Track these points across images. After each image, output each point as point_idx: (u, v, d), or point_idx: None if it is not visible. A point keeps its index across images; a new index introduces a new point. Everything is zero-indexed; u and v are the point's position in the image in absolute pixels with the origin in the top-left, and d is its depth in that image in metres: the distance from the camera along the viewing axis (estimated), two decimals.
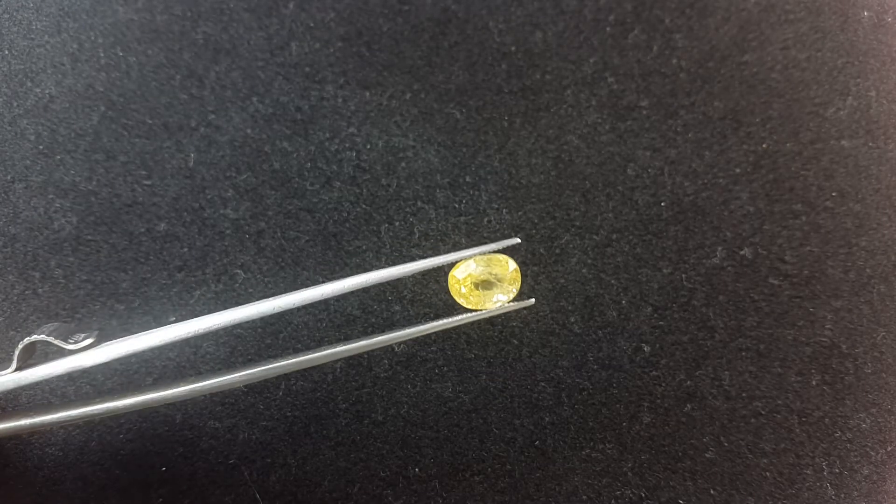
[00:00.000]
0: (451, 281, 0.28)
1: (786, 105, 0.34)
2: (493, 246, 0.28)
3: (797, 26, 0.35)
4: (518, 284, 0.28)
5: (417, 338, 0.32)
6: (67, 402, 0.27)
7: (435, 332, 0.32)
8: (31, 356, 0.27)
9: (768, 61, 0.34)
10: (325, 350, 0.28)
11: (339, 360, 0.32)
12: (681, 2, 0.35)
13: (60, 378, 0.27)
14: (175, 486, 0.30)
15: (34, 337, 0.26)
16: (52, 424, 0.27)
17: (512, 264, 0.28)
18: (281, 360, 0.27)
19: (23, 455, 0.30)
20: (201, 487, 0.30)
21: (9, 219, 0.32)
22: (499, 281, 0.28)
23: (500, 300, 0.28)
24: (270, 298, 0.27)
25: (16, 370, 0.26)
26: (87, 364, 0.26)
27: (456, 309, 0.32)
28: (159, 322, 0.31)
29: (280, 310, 0.27)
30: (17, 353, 0.26)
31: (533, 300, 0.29)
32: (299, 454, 0.31)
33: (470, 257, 0.28)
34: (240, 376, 0.27)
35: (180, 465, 0.31)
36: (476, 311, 0.28)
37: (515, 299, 0.28)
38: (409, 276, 0.33)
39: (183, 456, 0.31)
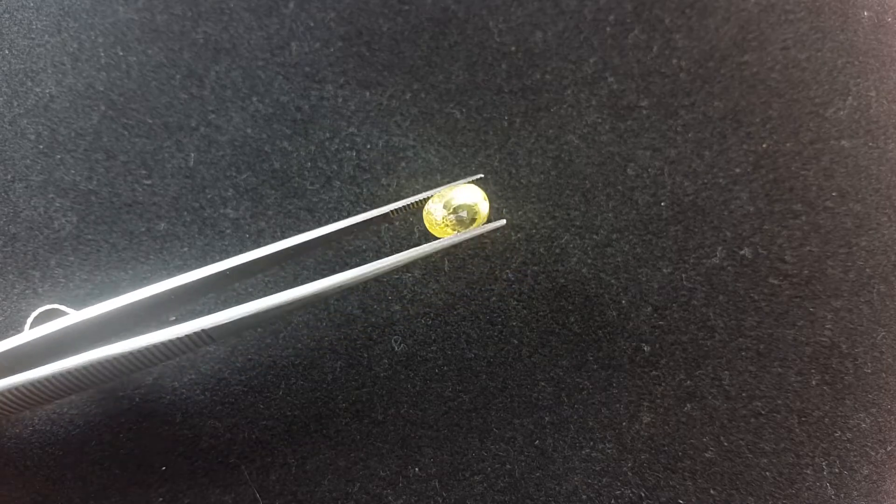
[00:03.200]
0: (424, 215, 0.29)
1: (786, 105, 0.34)
2: (460, 182, 0.29)
3: (797, 26, 0.35)
4: (487, 212, 0.29)
5: (417, 337, 0.32)
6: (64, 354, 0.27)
7: (435, 332, 0.32)
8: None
9: (768, 61, 0.34)
10: (310, 286, 0.27)
11: (339, 359, 0.32)
12: (681, 2, 0.35)
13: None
14: (175, 486, 0.30)
15: (46, 307, 0.27)
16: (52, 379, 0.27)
17: (479, 191, 0.29)
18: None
19: (23, 455, 0.30)
20: (201, 487, 0.30)
21: (9, 218, 0.32)
22: (465, 210, 0.29)
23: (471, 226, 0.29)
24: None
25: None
26: (95, 315, 0.27)
27: (455, 308, 0.32)
28: (160, 322, 0.31)
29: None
30: (29, 321, 0.27)
31: (504, 221, 0.29)
32: (299, 453, 0.31)
33: (440, 191, 0.29)
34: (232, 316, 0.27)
35: (180, 465, 0.31)
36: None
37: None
38: (408, 277, 0.33)
39: (183, 455, 0.31)
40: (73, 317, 0.27)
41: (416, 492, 0.31)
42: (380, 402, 0.31)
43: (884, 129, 0.34)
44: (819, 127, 0.34)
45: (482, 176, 0.31)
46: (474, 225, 0.29)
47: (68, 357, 0.26)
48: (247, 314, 0.26)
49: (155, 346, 0.26)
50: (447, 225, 0.29)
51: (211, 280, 0.28)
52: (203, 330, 0.26)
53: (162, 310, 0.29)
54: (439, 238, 0.29)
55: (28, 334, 0.27)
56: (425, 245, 0.28)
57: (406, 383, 0.32)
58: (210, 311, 0.27)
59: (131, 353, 0.26)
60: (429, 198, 0.29)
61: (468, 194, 0.29)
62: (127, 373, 0.27)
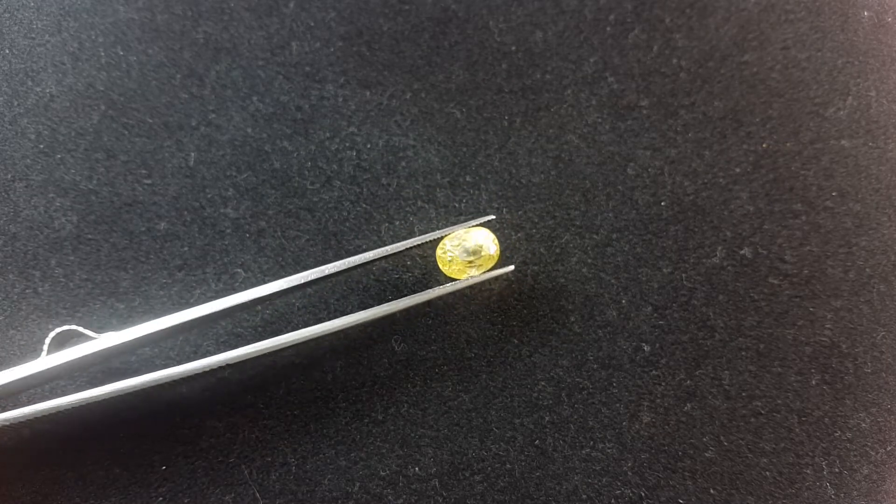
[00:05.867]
0: (438, 253, 0.31)
1: (786, 105, 0.34)
2: (472, 223, 0.31)
3: (797, 26, 0.35)
4: (497, 254, 0.31)
5: (417, 337, 0.32)
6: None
7: (435, 332, 0.32)
8: (61, 348, 0.28)
9: (768, 61, 0.34)
10: (314, 328, 0.30)
11: (339, 359, 0.32)
12: (681, 2, 0.35)
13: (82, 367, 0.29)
14: (175, 485, 0.30)
15: (64, 327, 0.27)
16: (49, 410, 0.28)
17: (490, 234, 0.31)
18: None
19: (23, 454, 0.30)
20: (201, 486, 0.30)
21: (9, 217, 0.32)
22: (478, 252, 0.31)
23: (481, 266, 0.31)
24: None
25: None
26: (116, 343, 0.28)
27: (455, 307, 0.32)
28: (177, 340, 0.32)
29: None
30: (47, 342, 0.27)
31: (512, 267, 0.31)
32: (299, 453, 0.31)
33: (451, 233, 0.31)
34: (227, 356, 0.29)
35: (180, 464, 0.31)
36: (459, 280, 0.31)
37: (496, 268, 0.31)
38: (408, 277, 0.33)
39: (183, 455, 0.31)
40: (95, 344, 0.28)
41: (416, 491, 0.31)
42: (380, 402, 0.31)
43: (884, 129, 0.34)
44: (819, 127, 0.34)
45: (493, 218, 0.31)
46: (484, 267, 0.31)
47: (86, 379, 0.28)
48: (270, 348, 0.29)
49: (178, 375, 0.28)
50: (458, 266, 0.31)
51: (232, 309, 0.29)
52: (228, 364, 0.28)
53: (182, 332, 0.30)
54: (448, 275, 0.31)
55: (48, 360, 0.27)
56: (438, 288, 0.31)
57: (406, 383, 0.32)
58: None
59: (155, 382, 0.28)
60: (443, 237, 0.31)
61: (479, 238, 0.31)
62: (146, 394, 0.29)
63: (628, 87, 0.34)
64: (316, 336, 0.29)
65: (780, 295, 0.32)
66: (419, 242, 0.30)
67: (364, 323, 0.32)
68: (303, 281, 0.29)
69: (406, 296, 0.31)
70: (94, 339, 0.28)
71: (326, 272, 0.30)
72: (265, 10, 0.34)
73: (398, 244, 0.30)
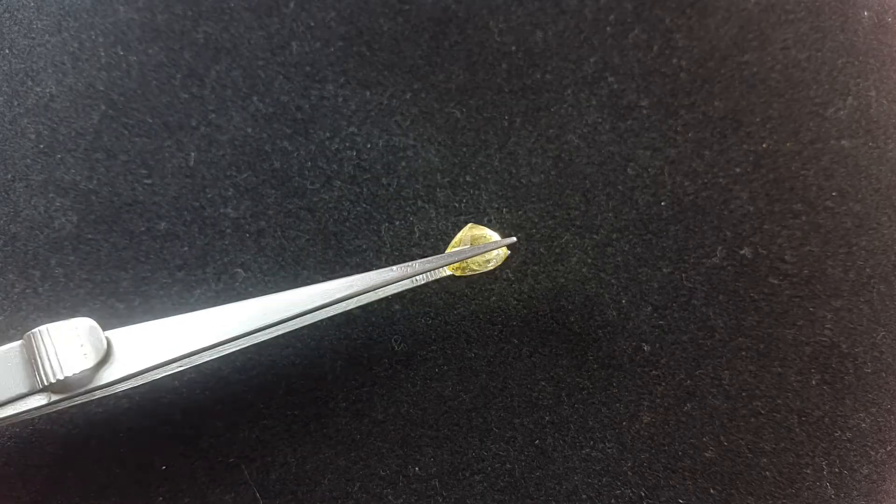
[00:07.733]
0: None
1: (786, 105, 0.34)
2: (492, 245, 0.29)
3: (797, 26, 0.35)
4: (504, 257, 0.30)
5: (417, 337, 0.32)
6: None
7: (435, 332, 0.32)
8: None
9: (768, 61, 0.34)
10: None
11: (339, 359, 0.32)
12: (681, 2, 0.35)
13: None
14: (175, 485, 0.30)
15: (54, 379, 0.26)
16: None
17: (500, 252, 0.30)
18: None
19: (23, 454, 0.30)
20: (201, 486, 0.30)
21: (9, 217, 0.32)
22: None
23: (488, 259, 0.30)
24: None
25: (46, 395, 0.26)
26: (115, 377, 0.26)
27: (455, 307, 0.32)
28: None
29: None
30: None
31: (514, 238, 0.30)
32: (299, 453, 0.31)
33: (469, 257, 0.29)
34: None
35: (180, 464, 0.31)
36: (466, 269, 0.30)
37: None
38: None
39: (183, 454, 0.31)
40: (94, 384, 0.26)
41: (416, 491, 0.31)
42: (380, 401, 0.31)
43: (884, 129, 0.34)
44: (819, 127, 0.34)
45: (515, 240, 0.30)
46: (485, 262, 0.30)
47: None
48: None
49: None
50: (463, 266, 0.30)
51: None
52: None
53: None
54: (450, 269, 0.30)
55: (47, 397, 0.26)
56: (441, 256, 0.29)
57: (406, 383, 0.32)
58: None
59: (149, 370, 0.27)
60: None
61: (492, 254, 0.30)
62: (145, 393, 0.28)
63: (628, 87, 0.34)
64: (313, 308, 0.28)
65: (780, 295, 0.32)
66: (445, 264, 0.29)
67: (364, 323, 0.32)
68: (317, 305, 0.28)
69: (415, 317, 0.31)
70: (87, 368, 0.26)
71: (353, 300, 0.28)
72: (265, 10, 0.34)
73: (425, 262, 0.29)
